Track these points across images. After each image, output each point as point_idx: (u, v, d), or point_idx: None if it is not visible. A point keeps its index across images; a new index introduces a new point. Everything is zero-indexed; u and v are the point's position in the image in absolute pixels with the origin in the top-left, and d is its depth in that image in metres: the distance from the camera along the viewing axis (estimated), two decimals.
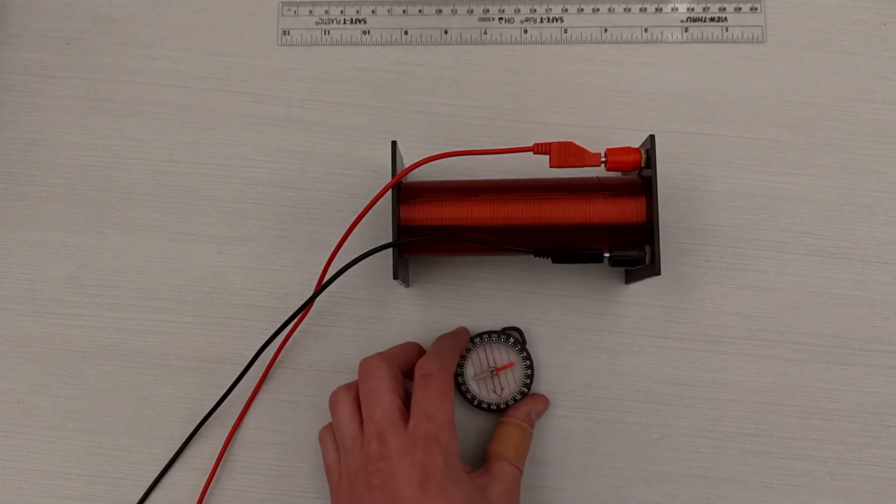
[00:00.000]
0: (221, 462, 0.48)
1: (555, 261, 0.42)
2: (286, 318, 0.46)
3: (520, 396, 0.46)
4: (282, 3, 0.52)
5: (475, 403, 0.46)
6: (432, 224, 0.44)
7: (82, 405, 0.49)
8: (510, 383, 0.46)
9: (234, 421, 0.48)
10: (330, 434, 0.42)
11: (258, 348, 0.47)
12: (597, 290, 0.48)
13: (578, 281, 0.49)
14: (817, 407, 0.47)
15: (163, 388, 0.49)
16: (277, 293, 0.49)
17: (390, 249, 0.43)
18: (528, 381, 0.46)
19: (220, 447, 0.48)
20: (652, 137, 0.42)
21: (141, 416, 0.49)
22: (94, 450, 0.48)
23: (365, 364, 0.42)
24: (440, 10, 0.51)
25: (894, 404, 0.47)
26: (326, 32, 0.51)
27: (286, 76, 0.51)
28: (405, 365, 0.43)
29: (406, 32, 0.51)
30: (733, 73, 0.50)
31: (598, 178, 0.44)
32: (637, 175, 0.45)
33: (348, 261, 0.44)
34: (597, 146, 0.44)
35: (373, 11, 0.51)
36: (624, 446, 0.47)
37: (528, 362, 0.46)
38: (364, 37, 0.51)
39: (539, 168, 0.46)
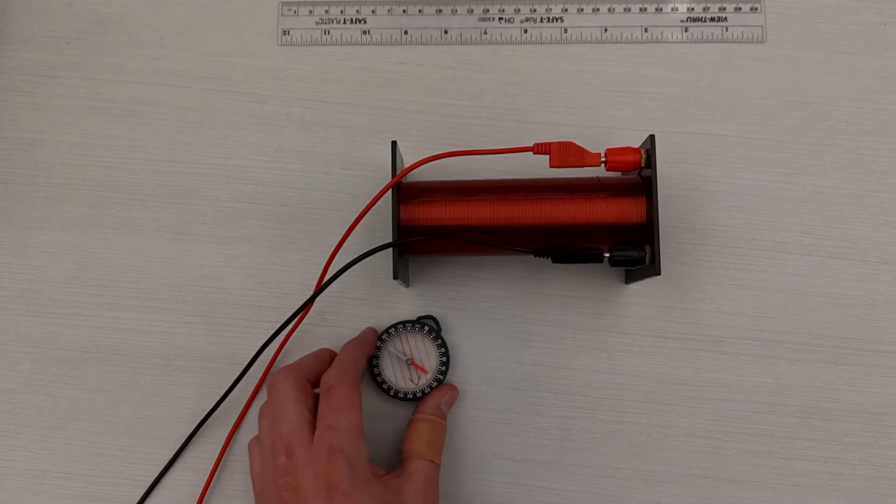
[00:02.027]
0: (221, 462, 0.48)
1: (555, 261, 0.43)
2: (286, 318, 0.46)
3: (436, 384, 0.47)
4: (282, 3, 0.52)
5: (391, 394, 0.47)
6: (432, 224, 0.44)
7: (82, 405, 0.49)
8: (425, 374, 0.47)
9: (233, 421, 0.48)
10: (257, 444, 0.43)
11: (258, 348, 0.47)
12: (597, 290, 0.48)
13: (578, 281, 0.49)
14: (817, 407, 0.47)
15: (163, 388, 0.49)
16: (277, 293, 0.49)
17: (390, 249, 0.43)
18: (443, 369, 0.47)
19: (220, 447, 0.48)
20: (652, 137, 0.42)
21: (141, 416, 0.49)
22: (94, 450, 0.48)
23: (271, 378, 0.42)
24: (440, 10, 0.51)
25: (894, 404, 0.47)
26: (326, 32, 0.51)
27: (286, 76, 0.51)
28: (316, 374, 0.43)
29: (406, 32, 0.51)
30: (733, 73, 0.50)
31: (598, 178, 0.44)
32: (637, 175, 0.45)
33: (348, 261, 0.44)
34: (597, 146, 0.44)
35: (373, 11, 0.51)
36: (624, 446, 0.47)
37: (442, 349, 0.47)
38: (364, 37, 0.51)
39: (539, 168, 0.46)
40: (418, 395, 0.47)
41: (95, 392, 0.49)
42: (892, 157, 0.49)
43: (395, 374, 0.47)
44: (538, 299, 0.48)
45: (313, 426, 0.40)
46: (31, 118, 0.51)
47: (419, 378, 0.47)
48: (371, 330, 0.47)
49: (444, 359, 0.47)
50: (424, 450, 0.44)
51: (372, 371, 0.47)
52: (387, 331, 0.47)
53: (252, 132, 0.51)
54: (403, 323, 0.47)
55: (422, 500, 0.42)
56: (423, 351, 0.47)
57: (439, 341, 0.47)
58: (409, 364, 0.47)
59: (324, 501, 0.37)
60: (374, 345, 0.47)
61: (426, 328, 0.47)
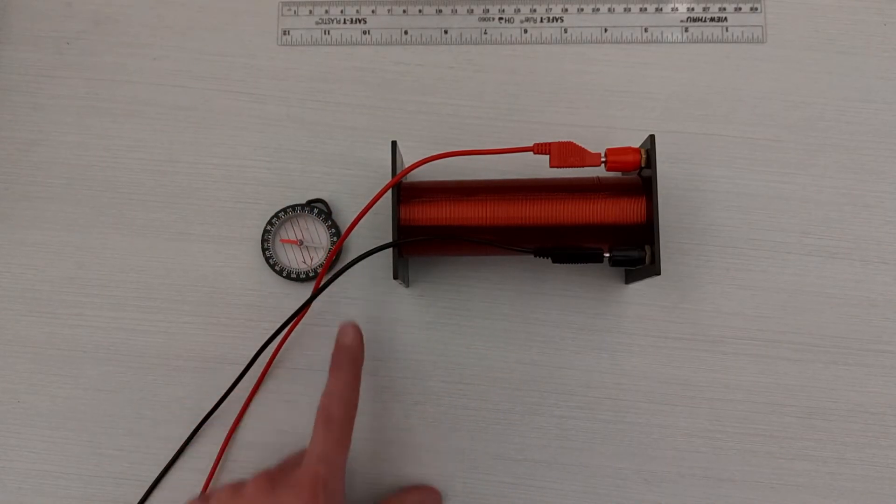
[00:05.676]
0: (221, 462, 0.48)
1: (555, 261, 0.42)
2: (286, 318, 0.46)
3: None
4: (282, 3, 0.52)
5: (285, 275, 0.48)
6: (432, 224, 0.44)
7: (82, 405, 0.49)
8: (318, 252, 0.49)
9: (233, 421, 0.48)
10: None
11: (258, 348, 0.47)
12: (597, 290, 0.48)
13: (578, 281, 0.49)
14: (817, 407, 0.47)
15: (163, 388, 0.49)
16: (277, 293, 0.49)
17: (390, 249, 0.43)
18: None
19: (220, 447, 0.48)
20: (652, 137, 0.42)
21: (141, 416, 0.49)
22: (94, 450, 0.48)
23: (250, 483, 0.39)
24: (440, 10, 0.51)
25: (894, 404, 0.47)
26: (326, 32, 0.51)
27: (286, 76, 0.51)
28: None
29: (406, 32, 0.51)
30: (733, 73, 0.50)
31: (598, 178, 0.44)
32: (637, 175, 0.45)
33: (348, 261, 0.44)
34: (597, 146, 0.44)
35: (373, 11, 0.51)
36: (624, 446, 0.47)
37: (333, 230, 0.48)
38: (364, 37, 0.51)
39: (539, 168, 0.46)
40: (311, 274, 0.48)
41: (95, 392, 0.49)
42: (892, 157, 0.49)
43: (287, 256, 0.49)
44: (538, 299, 0.48)
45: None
46: (31, 118, 0.51)
47: (311, 259, 0.49)
48: (356, 334, 0.44)
49: (334, 239, 0.48)
50: None
51: (265, 254, 0.48)
52: (276, 215, 0.48)
53: (252, 132, 0.51)
54: (293, 206, 0.48)
55: None
56: (315, 233, 0.49)
57: (329, 223, 0.48)
58: (302, 246, 0.49)
59: None
60: (362, 356, 0.44)
61: (315, 210, 0.48)
